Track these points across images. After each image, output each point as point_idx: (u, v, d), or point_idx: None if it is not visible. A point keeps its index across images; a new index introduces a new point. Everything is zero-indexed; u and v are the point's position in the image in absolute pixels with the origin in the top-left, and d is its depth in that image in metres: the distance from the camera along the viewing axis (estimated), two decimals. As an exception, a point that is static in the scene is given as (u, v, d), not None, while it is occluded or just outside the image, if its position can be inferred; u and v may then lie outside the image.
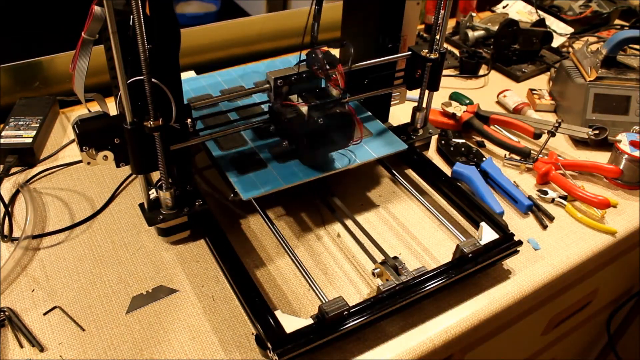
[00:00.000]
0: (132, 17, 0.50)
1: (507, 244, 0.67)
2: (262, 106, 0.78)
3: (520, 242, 0.67)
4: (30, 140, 0.81)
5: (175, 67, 0.59)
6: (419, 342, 0.60)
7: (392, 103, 0.85)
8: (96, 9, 0.55)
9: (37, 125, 0.85)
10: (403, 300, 0.59)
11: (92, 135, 0.57)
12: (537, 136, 0.89)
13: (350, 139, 0.70)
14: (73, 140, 0.87)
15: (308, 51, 0.68)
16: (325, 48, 0.68)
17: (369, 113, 0.82)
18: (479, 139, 0.93)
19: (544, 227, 0.76)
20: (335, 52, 0.93)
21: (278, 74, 0.68)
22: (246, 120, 0.74)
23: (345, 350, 0.59)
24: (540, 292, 0.69)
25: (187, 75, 0.89)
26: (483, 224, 0.68)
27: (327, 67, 0.67)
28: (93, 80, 0.81)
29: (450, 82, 1.11)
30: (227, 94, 0.73)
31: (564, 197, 0.80)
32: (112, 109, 0.66)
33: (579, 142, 0.94)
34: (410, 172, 0.83)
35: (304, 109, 0.67)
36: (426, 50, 0.75)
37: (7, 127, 0.84)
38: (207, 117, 0.73)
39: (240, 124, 0.72)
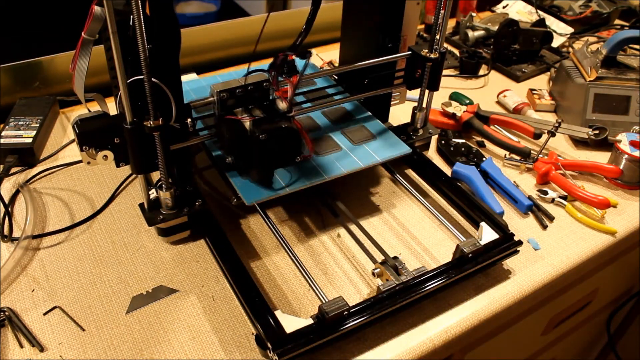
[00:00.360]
0: (132, 17, 0.50)
1: (507, 244, 0.67)
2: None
3: (520, 242, 0.67)
4: (30, 140, 0.81)
5: (175, 67, 0.59)
6: (419, 342, 0.60)
7: (392, 103, 0.85)
8: (96, 9, 0.55)
9: (37, 125, 0.85)
10: (403, 300, 0.59)
11: (92, 135, 0.57)
12: (537, 136, 0.89)
13: (298, 155, 0.67)
14: (73, 140, 0.87)
15: (277, 55, 0.64)
16: (293, 56, 0.63)
17: (369, 113, 0.82)
18: (479, 139, 0.93)
19: (544, 227, 0.76)
20: (335, 52, 0.93)
21: (223, 86, 0.64)
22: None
23: (345, 350, 0.59)
24: (540, 292, 0.69)
25: (188, 78, 0.89)
26: (483, 224, 0.68)
27: (281, 77, 0.63)
28: (93, 80, 0.81)
29: (450, 82, 1.11)
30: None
31: (564, 197, 0.80)
32: (112, 109, 0.66)
33: (579, 142, 0.94)
34: (410, 172, 0.83)
35: (247, 123, 0.64)
36: (426, 50, 0.75)
37: (7, 127, 0.84)
38: (207, 117, 0.73)
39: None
